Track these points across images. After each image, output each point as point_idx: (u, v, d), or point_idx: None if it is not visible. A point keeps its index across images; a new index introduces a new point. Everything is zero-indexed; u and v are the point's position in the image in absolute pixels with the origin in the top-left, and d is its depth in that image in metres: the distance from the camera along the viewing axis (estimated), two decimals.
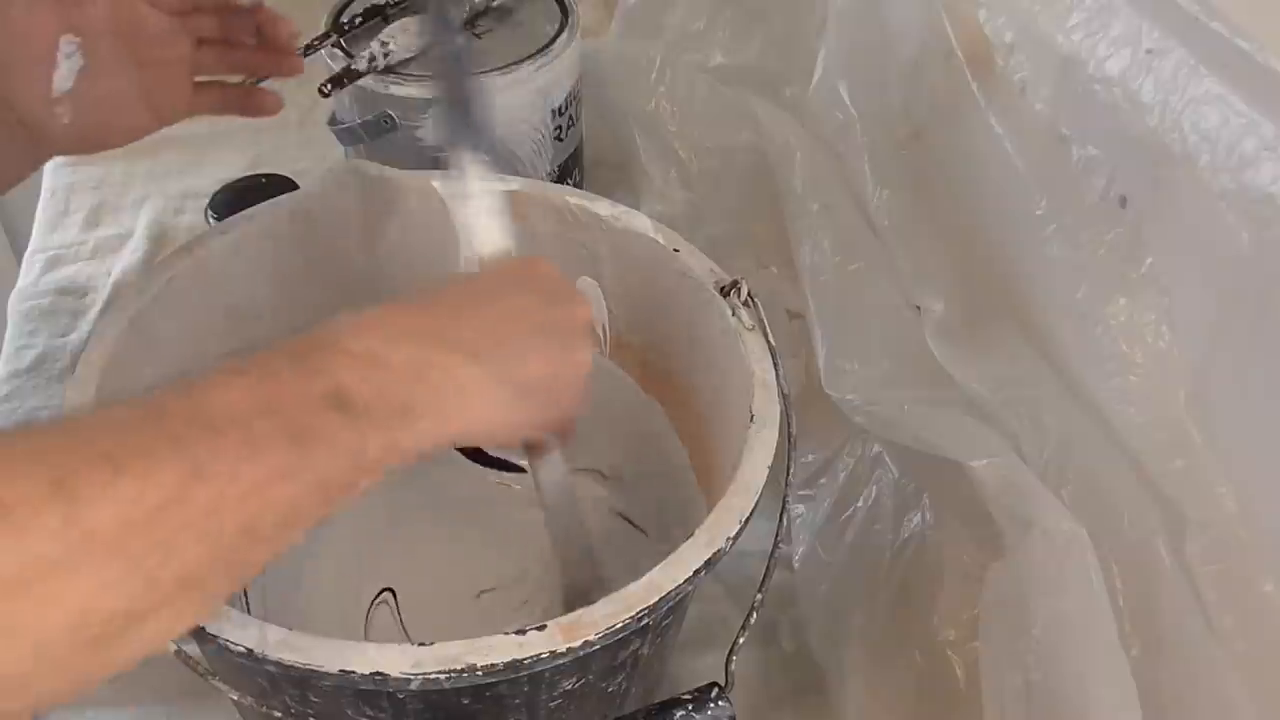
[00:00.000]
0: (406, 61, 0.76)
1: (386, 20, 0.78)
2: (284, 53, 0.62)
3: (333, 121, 0.80)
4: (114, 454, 0.32)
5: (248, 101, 0.63)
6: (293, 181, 0.79)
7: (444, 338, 0.43)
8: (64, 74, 0.54)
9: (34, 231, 0.93)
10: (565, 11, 0.81)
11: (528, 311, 0.47)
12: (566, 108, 0.80)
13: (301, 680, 0.45)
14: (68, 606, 0.30)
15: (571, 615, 0.44)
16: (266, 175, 0.82)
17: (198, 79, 0.60)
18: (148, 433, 0.33)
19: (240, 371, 0.37)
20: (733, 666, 0.48)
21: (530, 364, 0.46)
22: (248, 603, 0.60)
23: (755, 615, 0.50)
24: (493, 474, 0.72)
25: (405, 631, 0.65)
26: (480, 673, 0.42)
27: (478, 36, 0.79)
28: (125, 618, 0.32)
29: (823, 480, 0.66)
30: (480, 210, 0.52)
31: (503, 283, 0.49)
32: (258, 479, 0.34)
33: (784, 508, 0.54)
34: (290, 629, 0.43)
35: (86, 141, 0.57)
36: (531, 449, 0.54)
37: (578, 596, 0.57)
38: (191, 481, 0.32)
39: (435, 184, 0.64)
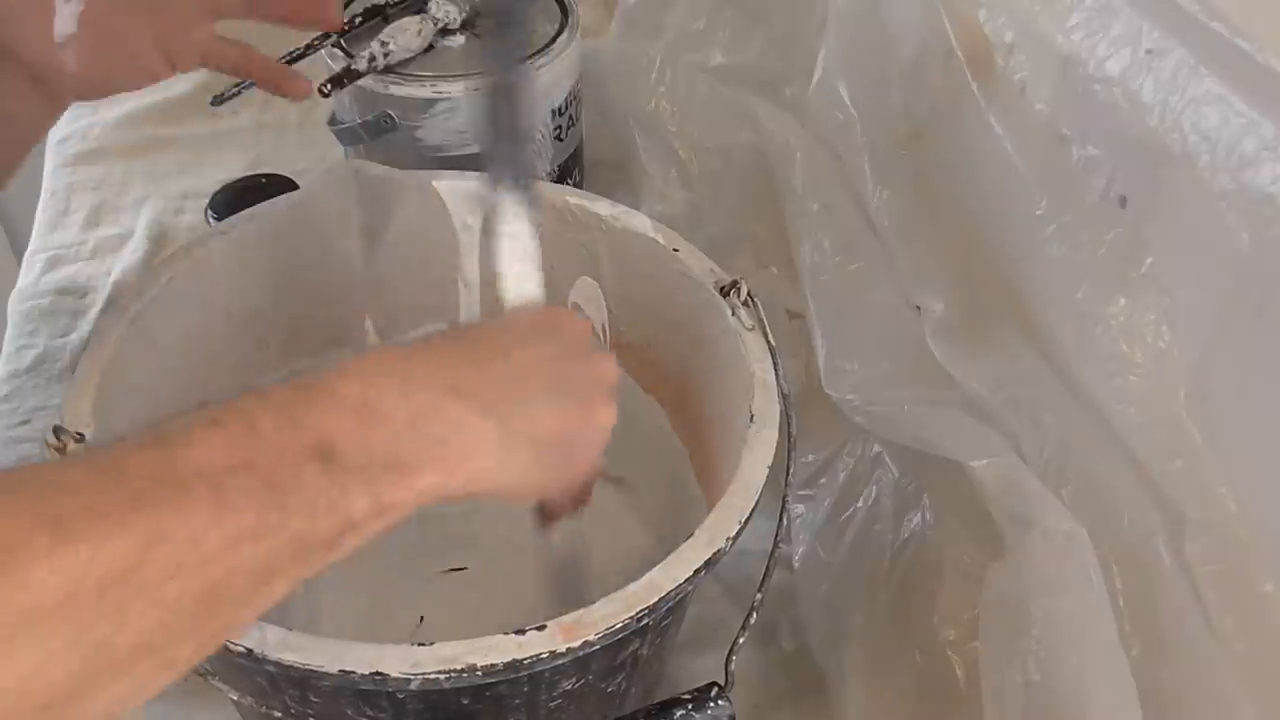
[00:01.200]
0: (406, 61, 0.76)
1: (386, 20, 0.78)
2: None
3: (333, 121, 0.80)
4: (64, 518, 0.29)
5: (273, 76, 0.61)
6: (293, 181, 0.79)
7: (457, 386, 0.40)
8: (65, 17, 0.52)
9: (34, 231, 0.93)
10: (565, 11, 0.81)
11: (549, 365, 0.45)
12: (566, 108, 0.80)
13: (301, 680, 0.45)
14: (9, 677, 0.28)
15: (571, 615, 0.44)
16: (266, 175, 0.82)
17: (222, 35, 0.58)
18: (105, 493, 0.31)
19: (216, 422, 0.34)
20: (732, 666, 0.48)
21: (546, 421, 0.43)
22: None
23: (755, 615, 0.50)
24: None
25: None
26: (480, 673, 0.42)
27: (477, 36, 0.79)
28: (76, 682, 0.30)
29: (823, 480, 0.66)
30: (514, 254, 0.49)
31: (526, 334, 0.46)
32: (225, 540, 0.32)
33: (784, 507, 0.54)
34: (290, 629, 0.43)
35: (96, 86, 0.55)
36: (544, 513, 0.51)
37: None
38: (150, 547, 0.30)
39: (435, 184, 0.64)
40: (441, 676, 0.42)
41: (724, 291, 0.58)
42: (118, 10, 0.54)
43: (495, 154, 0.48)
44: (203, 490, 0.32)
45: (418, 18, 0.77)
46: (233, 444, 0.34)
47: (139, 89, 0.57)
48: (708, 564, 0.46)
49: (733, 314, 0.57)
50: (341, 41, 0.77)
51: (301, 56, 0.76)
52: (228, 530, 0.32)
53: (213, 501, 0.32)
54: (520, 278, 0.49)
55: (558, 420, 0.44)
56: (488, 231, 0.48)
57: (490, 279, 0.48)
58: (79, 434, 0.48)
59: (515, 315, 0.49)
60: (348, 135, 0.78)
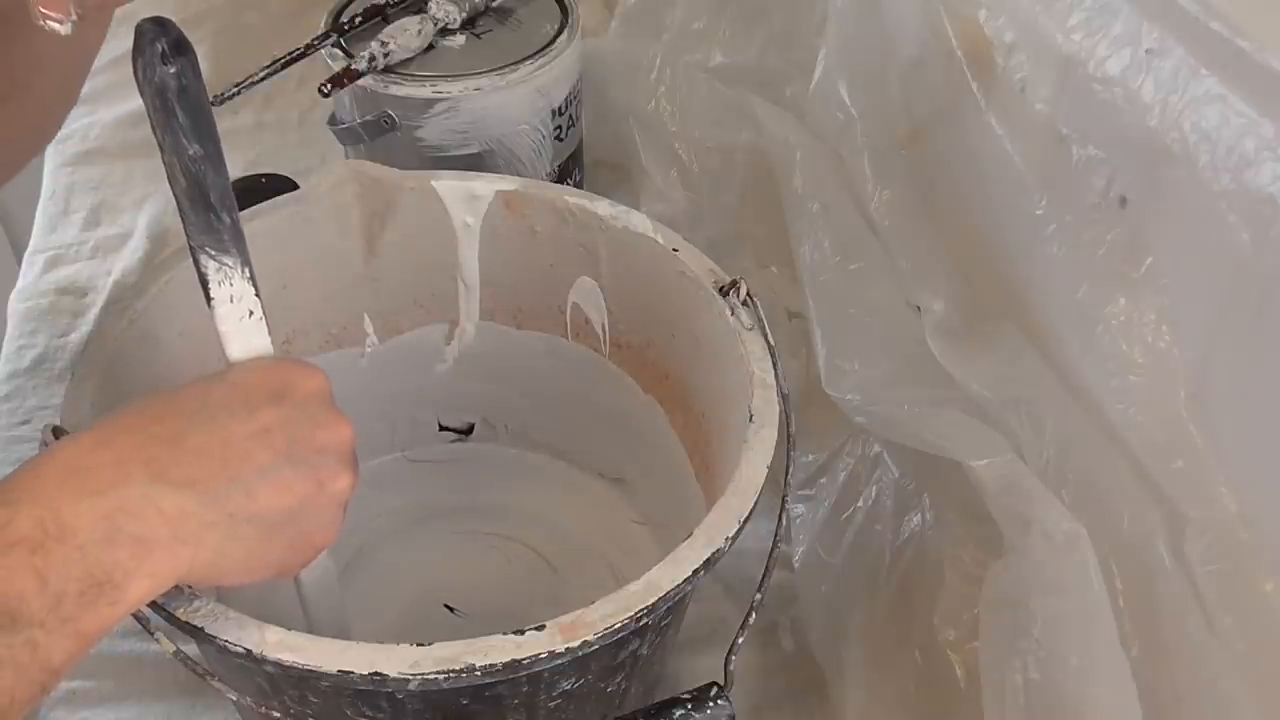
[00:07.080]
0: (406, 61, 0.76)
1: (386, 20, 0.78)
2: None
3: (333, 121, 0.80)
4: None
5: None
6: (293, 181, 0.79)
7: (157, 471, 0.37)
8: None
9: (34, 231, 0.93)
10: (565, 11, 0.81)
11: (271, 433, 0.41)
12: (566, 108, 0.80)
13: (300, 680, 0.45)
14: None
15: (570, 615, 0.44)
16: (266, 175, 0.82)
17: None
18: None
19: None
20: (732, 666, 0.48)
21: (267, 497, 0.40)
22: None
23: (755, 615, 0.49)
24: None
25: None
26: (479, 673, 0.42)
27: (478, 37, 0.79)
28: None
29: (823, 480, 0.65)
30: (231, 314, 0.45)
31: (245, 398, 0.42)
32: None
33: (783, 507, 0.54)
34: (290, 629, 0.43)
35: None
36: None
37: None
38: None
39: (435, 184, 0.64)
40: (440, 677, 0.42)
41: (724, 291, 0.58)
42: None
43: (191, 223, 0.44)
44: None
45: (418, 18, 0.77)
46: None
47: None
48: (707, 564, 0.46)
49: (732, 314, 0.57)
50: (341, 41, 0.77)
51: (301, 56, 0.76)
52: None
53: None
54: (242, 332, 0.45)
55: (281, 494, 0.41)
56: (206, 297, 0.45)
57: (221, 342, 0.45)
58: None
59: (239, 373, 0.44)
60: (348, 135, 0.78)
